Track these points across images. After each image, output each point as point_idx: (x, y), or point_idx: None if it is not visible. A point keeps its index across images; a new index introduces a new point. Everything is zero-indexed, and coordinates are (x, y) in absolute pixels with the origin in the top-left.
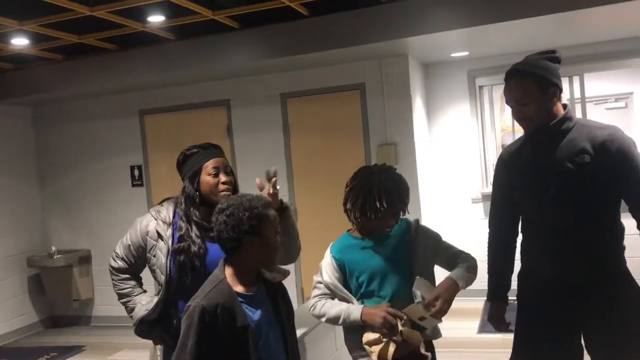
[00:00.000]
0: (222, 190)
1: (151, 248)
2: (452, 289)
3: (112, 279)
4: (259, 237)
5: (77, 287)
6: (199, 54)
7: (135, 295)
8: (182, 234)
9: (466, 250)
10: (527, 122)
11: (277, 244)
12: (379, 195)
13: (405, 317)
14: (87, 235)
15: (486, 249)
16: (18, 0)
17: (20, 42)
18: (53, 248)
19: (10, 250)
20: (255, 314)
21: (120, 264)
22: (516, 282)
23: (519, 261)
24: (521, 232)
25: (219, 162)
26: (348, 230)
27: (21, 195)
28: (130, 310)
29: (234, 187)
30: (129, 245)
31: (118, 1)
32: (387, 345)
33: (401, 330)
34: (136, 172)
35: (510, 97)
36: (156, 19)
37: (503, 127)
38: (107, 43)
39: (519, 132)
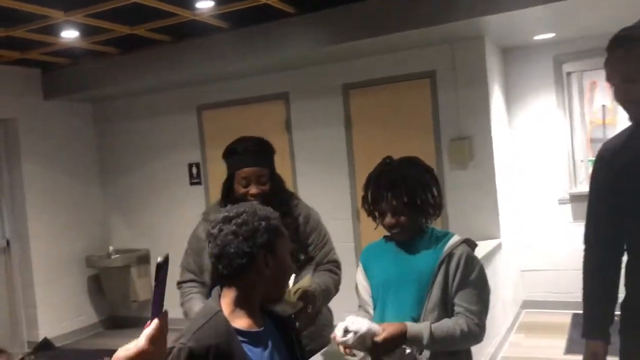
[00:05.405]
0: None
1: (202, 251)
2: (397, 333)
3: (180, 294)
4: (275, 255)
5: (134, 288)
6: (254, 44)
7: (189, 295)
8: None
9: (553, 257)
10: (635, 106)
11: (292, 268)
12: (366, 190)
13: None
14: (145, 235)
15: (577, 254)
16: None
17: (69, 34)
18: (110, 248)
19: (72, 250)
20: (262, 358)
21: (185, 276)
22: (619, 314)
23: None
24: (626, 251)
25: (249, 173)
26: None
27: (83, 194)
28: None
29: (272, 194)
30: (189, 254)
31: None
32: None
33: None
34: (194, 170)
35: (615, 72)
36: (205, 4)
37: (592, 119)
38: (159, 34)
39: (610, 126)
